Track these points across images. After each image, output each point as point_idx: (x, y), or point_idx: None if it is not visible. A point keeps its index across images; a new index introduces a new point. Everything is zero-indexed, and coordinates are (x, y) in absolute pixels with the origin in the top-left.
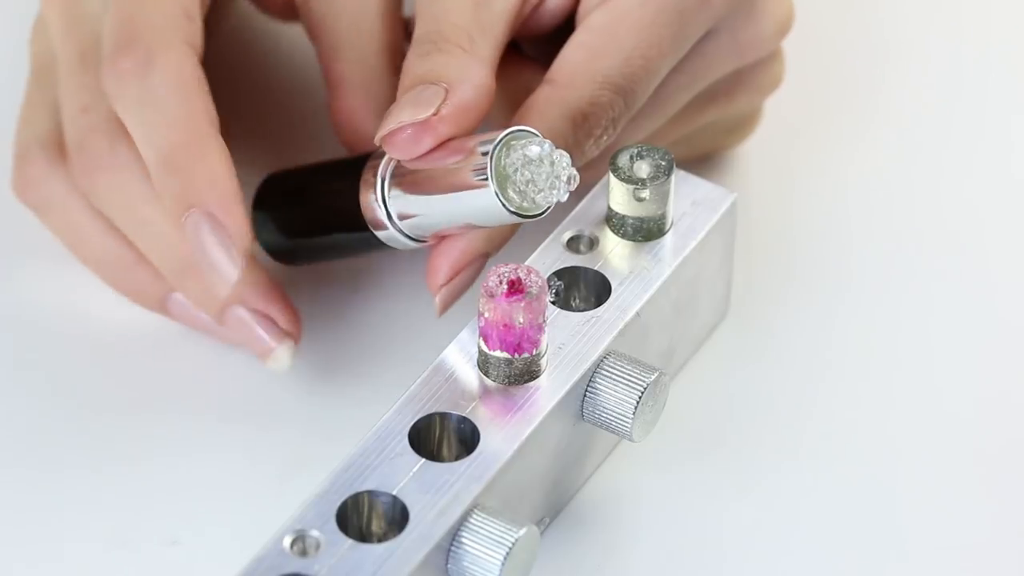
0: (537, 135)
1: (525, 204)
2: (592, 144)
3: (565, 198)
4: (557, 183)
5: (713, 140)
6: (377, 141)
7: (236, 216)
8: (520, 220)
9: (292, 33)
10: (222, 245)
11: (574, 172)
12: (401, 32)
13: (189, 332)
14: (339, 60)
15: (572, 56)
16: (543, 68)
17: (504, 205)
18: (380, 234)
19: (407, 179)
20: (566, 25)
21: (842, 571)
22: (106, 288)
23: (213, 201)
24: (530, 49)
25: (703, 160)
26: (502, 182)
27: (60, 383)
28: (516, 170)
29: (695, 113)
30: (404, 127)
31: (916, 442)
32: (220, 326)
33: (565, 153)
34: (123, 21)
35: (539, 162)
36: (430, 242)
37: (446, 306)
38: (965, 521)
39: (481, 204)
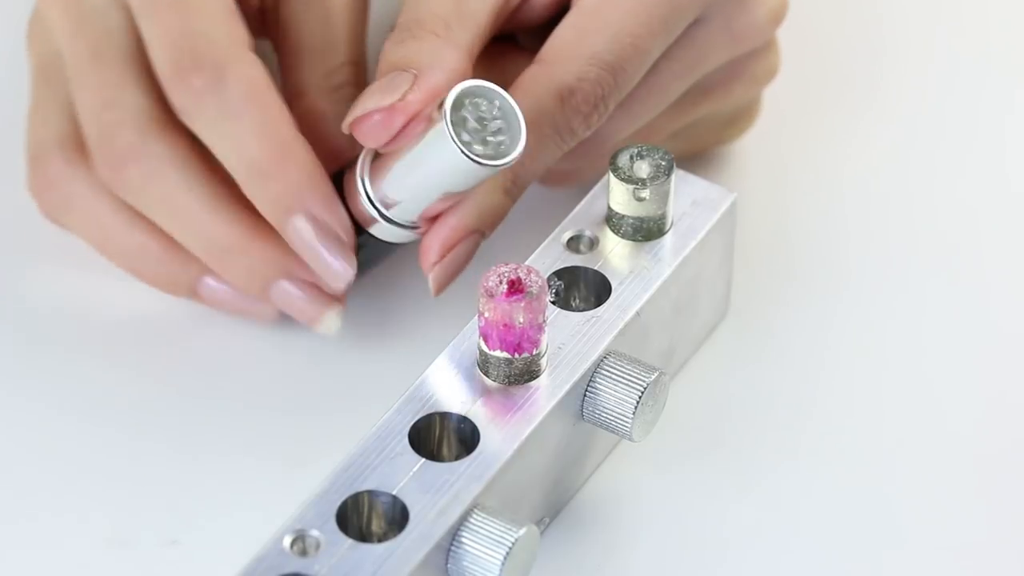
0: (490, 85)
1: (488, 150)
2: (581, 122)
3: (523, 141)
4: (514, 123)
5: (712, 133)
6: (345, 129)
7: (339, 213)
8: (485, 167)
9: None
10: (333, 244)
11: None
12: (364, 42)
13: (188, 333)
14: (302, 68)
15: (562, 36)
16: None
17: (461, 150)
18: (371, 228)
19: (381, 164)
20: (561, 15)
21: (841, 571)
22: (102, 286)
23: (315, 203)
24: (526, 41)
25: (704, 155)
26: (458, 129)
27: (59, 383)
28: (467, 115)
29: (691, 105)
30: (371, 113)
31: (915, 441)
32: (264, 302)
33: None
34: (178, 35)
35: (489, 104)
36: (422, 228)
37: (440, 286)
38: (964, 521)
39: (446, 159)
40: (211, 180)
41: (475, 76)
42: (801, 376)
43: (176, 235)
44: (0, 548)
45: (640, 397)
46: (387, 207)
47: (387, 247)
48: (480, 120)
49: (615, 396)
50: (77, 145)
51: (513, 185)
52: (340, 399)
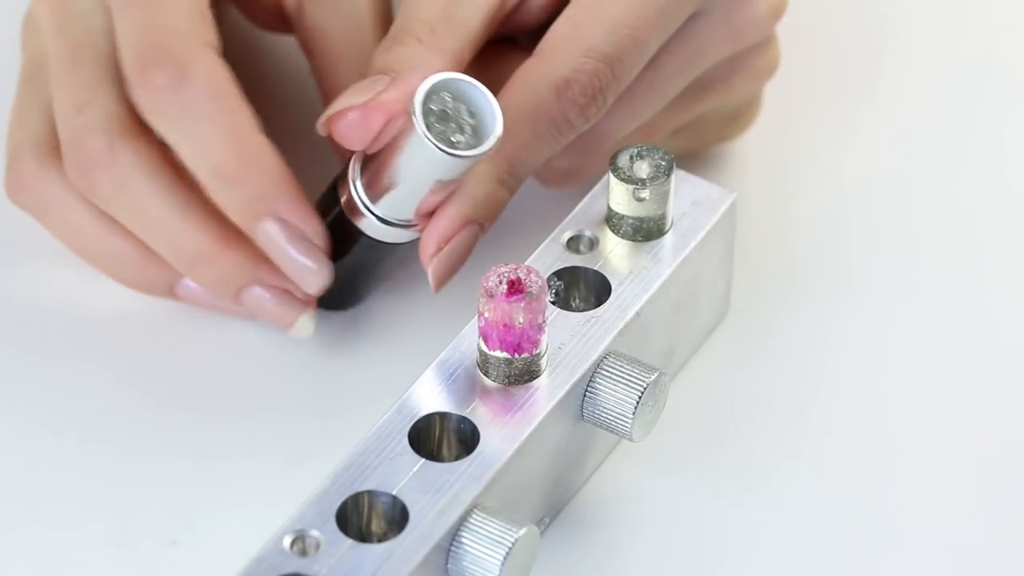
0: (462, 77)
1: (465, 139)
2: (578, 115)
3: (499, 128)
4: (489, 112)
5: (714, 130)
6: (320, 130)
7: (309, 216)
8: (462, 158)
9: (286, 43)
10: (304, 249)
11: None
12: None
13: (188, 333)
14: (336, 76)
15: (559, 28)
16: None
17: (433, 143)
18: (368, 230)
19: (369, 165)
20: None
21: (842, 571)
22: (100, 286)
23: (283, 207)
24: (528, 43)
25: (705, 154)
26: (432, 122)
27: (58, 383)
28: (443, 108)
29: (693, 101)
30: (344, 112)
31: (916, 442)
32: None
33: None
34: (143, 29)
35: (464, 96)
36: (419, 225)
37: (439, 279)
38: (965, 522)
39: (424, 153)
40: (180, 187)
41: (473, 75)
42: (801, 376)
43: (147, 242)
44: (0, 549)
45: (640, 397)
46: (380, 207)
47: (386, 249)
48: (456, 111)
49: (615, 396)
50: (52, 148)
51: (509, 176)
52: (340, 399)
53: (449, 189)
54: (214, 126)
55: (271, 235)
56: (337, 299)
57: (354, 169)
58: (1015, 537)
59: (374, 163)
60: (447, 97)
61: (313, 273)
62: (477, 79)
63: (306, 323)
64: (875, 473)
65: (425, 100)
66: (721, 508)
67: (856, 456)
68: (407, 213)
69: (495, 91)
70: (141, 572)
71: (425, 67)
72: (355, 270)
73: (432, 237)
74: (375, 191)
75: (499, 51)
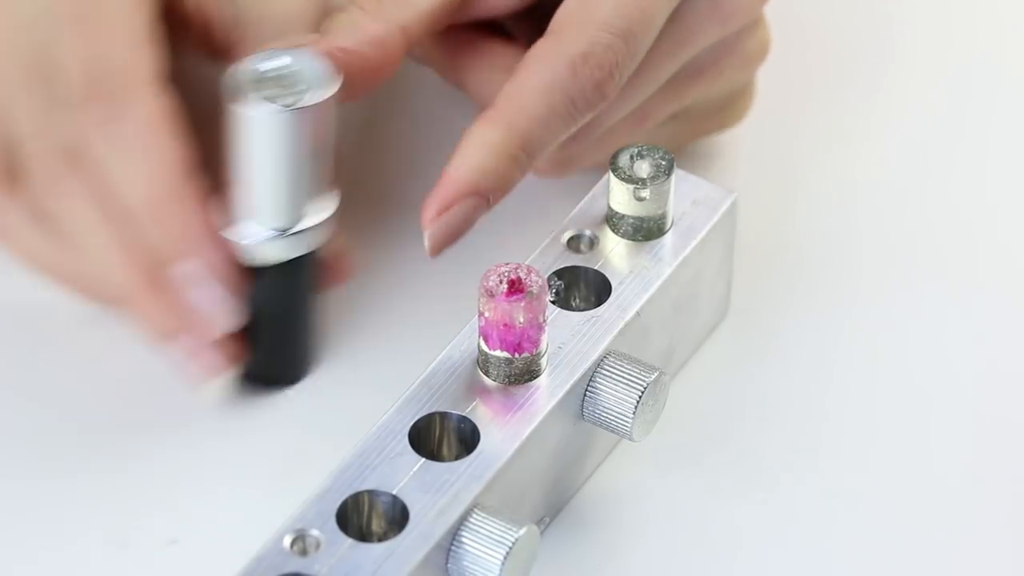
0: (281, 49)
1: (289, 100)
2: (595, 90)
3: (332, 79)
4: (314, 75)
5: (707, 119)
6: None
7: (218, 261)
8: (298, 111)
9: None
10: (209, 295)
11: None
12: None
13: None
14: None
15: (567, 8)
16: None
17: (253, 108)
18: (265, 255)
19: (236, 194)
20: (552, 6)
21: (842, 571)
22: None
23: (194, 253)
24: (519, 32)
25: (704, 153)
26: (252, 91)
27: (57, 382)
28: (257, 79)
29: (684, 86)
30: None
31: (918, 442)
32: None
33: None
34: (85, 60)
35: (277, 63)
36: (313, 222)
37: (436, 244)
38: (969, 522)
39: (265, 129)
40: (118, 222)
41: (452, 63)
42: (801, 376)
43: (85, 270)
44: (0, 548)
45: (640, 397)
46: (274, 224)
47: (301, 289)
48: (291, 81)
49: (615, 396)
50: (3, 173)
51: (522, 152)
52: (340, 399)
53: (314, 161)
54: (142, 163)
55: (179, 279)
56: (281, 371)
57: (225, 215)
58: (1019, 539)
59: (238, 184)
60: (279, 68)
61: (215, 320)
62: (453, 63)
63: (210, 391)
64: (875, 473)
65: (247, 82)
66: (721, 508)
67: (857, 456)
68: (293, 211)
69: (480, 79)
70: (141, 572)
71: (359, 30)
72: (289, 331)
73: (433, 200)
74: (248, 208)
75: (479, 35)
